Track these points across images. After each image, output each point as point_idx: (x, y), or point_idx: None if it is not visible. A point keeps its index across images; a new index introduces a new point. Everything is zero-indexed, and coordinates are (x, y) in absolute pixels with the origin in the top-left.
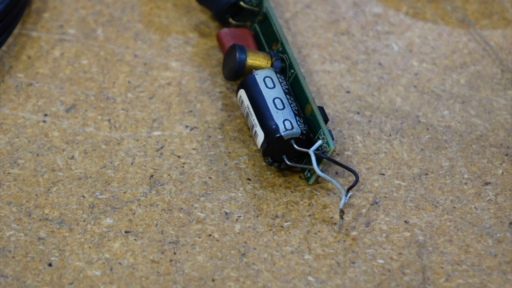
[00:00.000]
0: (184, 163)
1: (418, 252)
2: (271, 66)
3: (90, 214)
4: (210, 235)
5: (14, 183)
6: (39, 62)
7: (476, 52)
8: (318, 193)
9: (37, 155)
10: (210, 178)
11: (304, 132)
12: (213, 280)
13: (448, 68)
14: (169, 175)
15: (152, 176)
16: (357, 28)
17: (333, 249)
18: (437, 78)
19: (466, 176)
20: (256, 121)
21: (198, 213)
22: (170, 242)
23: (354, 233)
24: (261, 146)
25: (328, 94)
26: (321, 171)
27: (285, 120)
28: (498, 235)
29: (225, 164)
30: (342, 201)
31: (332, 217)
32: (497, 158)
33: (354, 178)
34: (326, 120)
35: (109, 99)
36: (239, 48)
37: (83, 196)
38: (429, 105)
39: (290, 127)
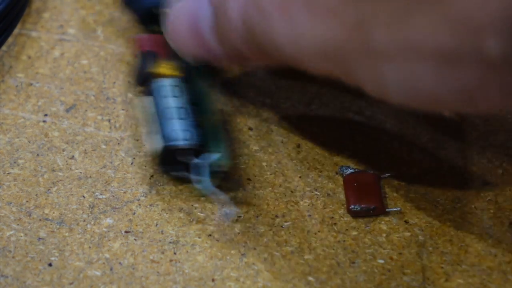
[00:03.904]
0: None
1: (418, 252)
2: (181, 75)
3: (90, 214)
4: (210, 235)
5: (14, 183)
6: (39, 62)
7: None
8: (318, 193)
9: (37, 155)
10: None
11: (202, 143)
12: (213, 280)
13: None
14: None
15: (152, 176)
16: None
17: (333, 249)
18: None
19: (465, 175)
20: (156, 128)
21: (198, 213)
22: (170, 242)
23: (354, 233)
24: (159, 154)
25: (329, 94)
26: (217, 184)
27: (185, 130)
28: (498, 235)
29: None
30: (227, 212)
31: (332, 217)
32: (497, 158)
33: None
34: (226, 134)
35: (109, 99)
36: (149, 54)
37: (83, 196)
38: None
39: (189, 138)
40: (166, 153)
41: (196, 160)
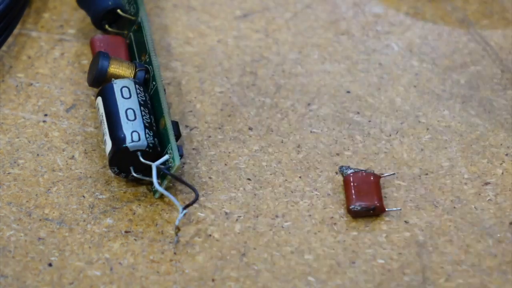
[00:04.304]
0: (184, 163)
1: (418, 252)
2: (134, 76)
3: (90, 214)
4: (210, 235)
5: (14, 183)
6: (39, 62)
7: (476, 52)
8: (318, 193)
9: (37, 155)
10: (210, 178)
11: (151, 145)
12: (213, 280)
13: (448, 68)
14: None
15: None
16: (357, 28)
17: (333, 249)
18: (437, 78)
19: (466, 176)
20: (107, 129)
21: (198, 213)
22: (170, 242)
23: (354, 233)
24: (108, 155)
25: (328, 94)
26: (167, 185)
27: (133, 132)
28: (498, 235)
29: (225, 164)
30: (178, 218)
31: (332, 217)
32: (497, 158)
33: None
34: (178, 135)
35: None
36: (103, 55)
37: (83, 196)
38: (429, 105)
39: (137, 139)
40: (114, 154)
41: (145, 162)
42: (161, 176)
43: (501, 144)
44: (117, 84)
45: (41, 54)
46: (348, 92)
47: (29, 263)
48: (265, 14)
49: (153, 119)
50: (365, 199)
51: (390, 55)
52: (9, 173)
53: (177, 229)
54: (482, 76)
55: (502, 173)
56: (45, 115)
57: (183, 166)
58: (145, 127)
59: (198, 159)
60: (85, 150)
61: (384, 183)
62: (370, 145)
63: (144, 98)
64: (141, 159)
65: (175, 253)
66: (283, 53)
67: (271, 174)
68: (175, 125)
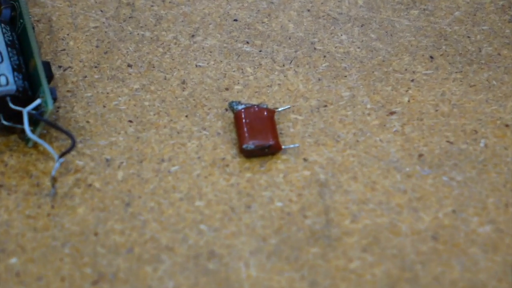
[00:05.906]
0: (58, 107)
1: (320, 192)
2: None
3: None
4: (90, 184)
5: None
6: None
7: None
8: (207, 133)
9: None
10: (88, 122)
11: (21, 89)
12: (95, 234)
13: None
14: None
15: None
16: None
17: (226, 194)
18: (333, 0)
19: (369, 106)
20: None
21: (77, 161)
22: (47, 195)
23: (248, 174)
24: None
25: (214, 23)
26: (40, 132)
27: (0, 75)
28: (407, 169)
29: (104, 106)
30: (55, 168)
31: (224, 158)
32: (402, 85)
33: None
34: (50, 77)
35: None
36: None
37: None
38: (325, 30)
39: (5, 83)
40: None
41: (15, 107)
42: (34, 122)
43: (406, 69)
44: None
45: None
46: (236, 20)
47: None
48: None
49: (22, 61)
50: (259, 137)
51: None
52: None
53: (54, 180)
54: None
55: (408, 101)
56: None
57: (57, 110)
58: (14, 69)
59: (73, 102)
60: None
61: (279, 118)
62: (262, 77)
63: (11, 38)
64: (11, 104)
65: (52, 207)
66: None
67: (154, 115)
68: (47, 65)
